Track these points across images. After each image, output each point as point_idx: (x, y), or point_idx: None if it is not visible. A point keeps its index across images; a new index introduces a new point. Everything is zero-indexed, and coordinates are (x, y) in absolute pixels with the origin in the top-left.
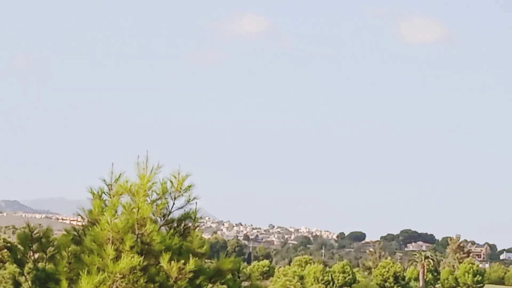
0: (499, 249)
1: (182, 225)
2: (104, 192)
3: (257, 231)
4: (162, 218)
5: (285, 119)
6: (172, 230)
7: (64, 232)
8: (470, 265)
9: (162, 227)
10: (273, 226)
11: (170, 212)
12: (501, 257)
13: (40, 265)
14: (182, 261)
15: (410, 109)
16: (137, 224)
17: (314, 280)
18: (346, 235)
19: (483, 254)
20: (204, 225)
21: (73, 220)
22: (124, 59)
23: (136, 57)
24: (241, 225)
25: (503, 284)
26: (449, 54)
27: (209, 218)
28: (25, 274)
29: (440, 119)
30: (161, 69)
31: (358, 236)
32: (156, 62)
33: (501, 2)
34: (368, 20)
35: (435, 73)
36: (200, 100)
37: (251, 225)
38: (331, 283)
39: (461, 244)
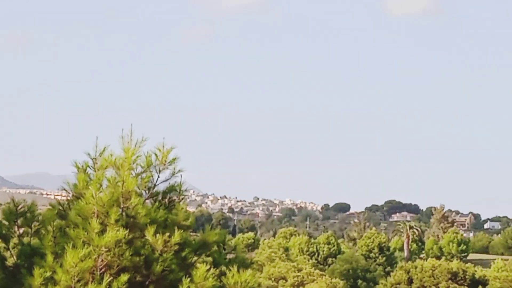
0: (483, 218)
1: (167, 198)
2: (88, 166)
3: (242, 204)
4: (147, 191)
5: (270, 92)
6: (157, 203)
7: (49, 207)
8: (455, 234)
9: (147, 200)
10: (258, 199)
11: (155, 185)
12: (485, 226)
13: (25, 239)
14: (168, 234)
15: (396, 81)
16: (122, 197)
17: (299, 251)
18: (330, 206)
19: (467, 224)
20: (189, 198)
21: (58, 195)
22: (110, 35)
23: (122, 32)
24: (226, 198)
25: (487, 253)
26: (434, 25)
27: (193, 191)
28: (10, 249)
29: (425, 90)
30: (148, 43)
31: (343, 207)
32: (142, 37)
33: None
34: None
35: (421, 44)
36: (186, 74)
37: (236, 198)
38: (316, 254)
39: (445, 214)
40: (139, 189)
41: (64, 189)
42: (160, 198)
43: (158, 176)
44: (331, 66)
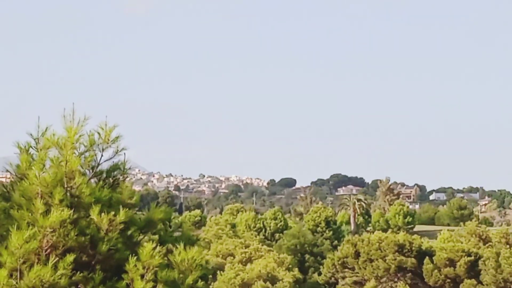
0: (428, 190)
1: (111, 176)
2: (31, 146)
3: (188, 181)
4: (90, 171)
5: (215, 68)
6: (101, 182)
7: None
8: (400, 206)
9: (91, 180)
10: (204, 176)
11: (98, 164)
12: (431, 197)
13: None
14: (113, 213)
15: (334, 55)
16: (66, 177)
17: (246, 227)
18: (276, 181)
19: (413, 196)
20: (134, 177)
21: (1, 177)
22: (53, 8)
23: (64, 5)
24: (172, 175)
25: (433, 224)
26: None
27: (139, 170)
28: None
29: (368, 63)
30: (87, 19)
31: (289, 182)
32: (86, 10)
33: None
34: None
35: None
36: (127, 50)
37: (182, 176)
38: (263, 230)
39: (391, 186)
40: (82, 168)
41: (7, 171)
42: (104, 177)
43: (102, 155)
44: (278, 43)
